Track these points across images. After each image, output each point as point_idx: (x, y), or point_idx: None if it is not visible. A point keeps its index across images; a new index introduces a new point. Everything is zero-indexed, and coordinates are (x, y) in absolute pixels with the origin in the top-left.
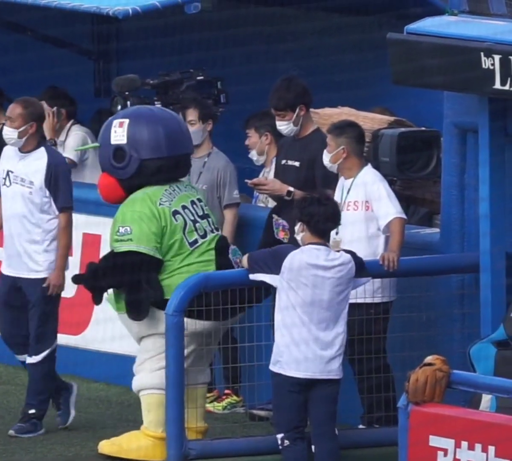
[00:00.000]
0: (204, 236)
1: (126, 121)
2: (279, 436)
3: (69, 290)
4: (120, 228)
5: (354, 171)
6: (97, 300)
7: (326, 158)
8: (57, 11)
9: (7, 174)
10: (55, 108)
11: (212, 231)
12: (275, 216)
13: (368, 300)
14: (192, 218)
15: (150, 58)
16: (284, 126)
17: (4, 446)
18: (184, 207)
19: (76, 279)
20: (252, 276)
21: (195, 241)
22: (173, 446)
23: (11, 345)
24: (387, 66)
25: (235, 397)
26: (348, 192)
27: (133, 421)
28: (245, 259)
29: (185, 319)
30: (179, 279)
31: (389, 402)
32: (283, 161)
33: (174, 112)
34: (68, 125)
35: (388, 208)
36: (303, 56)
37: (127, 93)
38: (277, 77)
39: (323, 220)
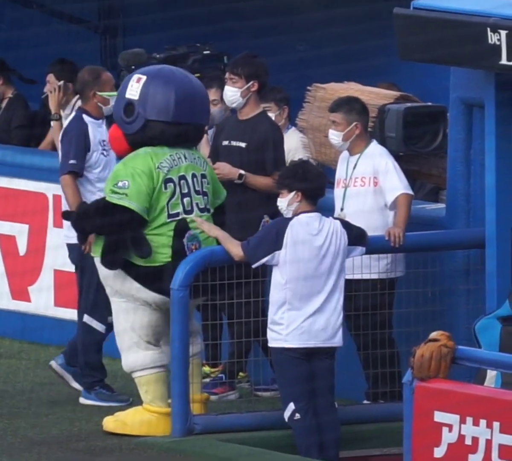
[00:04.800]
0: (189, 212)
1: (144, 78)
2: (291, 408)
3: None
4: (119, 181)
5: (362, 147)
6: (81, 240)
7: (336, 137)
8: None
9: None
10: (62, 82)
11: (203, 210)
12: (266, 217)
13: (374, 276)
14: (185, 191)
15: (156, 33)
16: (231, 92)
17: (9, 421)
18: (181, 178)
19: (65, 214)
20: (256, 265)
21: (176, 214)
22: (177, 421)
23: None
24: (393, 39)
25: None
26: (354, 168)
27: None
28: (239, 250)
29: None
30: None
31: (394, 377)
32: (226, 142)
33: (198, 81)
34: (75, 99)
35: (395, 183)
36: (309, 29)
37: (133, 67)
38: (283, 50)
39: (320, 184)
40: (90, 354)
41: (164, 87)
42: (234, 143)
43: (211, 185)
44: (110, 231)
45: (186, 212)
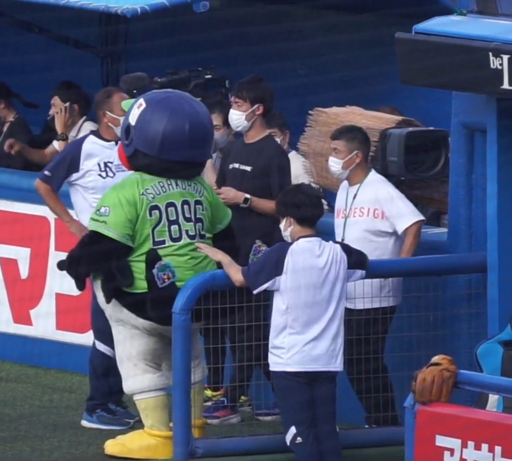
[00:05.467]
0: (177, 239)
1: (144, 105)
2: (292, 432)
3: (75, 289)
4: (102, 207)
5: (361, 177)
6: (79, 286)
7: (336, 164)
8: (66, 10)
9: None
10: (67, 104)
11: (193, 237)
12: (258, 242)
13: (376, 305)
14: (173, 218)
15: (158, 58)
16: (236, 116)
17: (11, 444)
18: (169, 205)
19: (59, 265)
20: (257, 291)
21: (162, 242)
22: (179, 445)
23: None
24: (395, 65)
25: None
26: (354, 197)
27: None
28: (240, 276)
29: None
30: None
31: (387, 403)
32: (231, 165)
33: (202, 116)
34: (81, 121)
35: (403, 210)
36: (311, 54)
37: (135, 91)
38: (285, 76)
39: (310, 208)
40: (99, 378)
41: (158, 120)
42: (239, 166)
43: (209, 211)
44: (96, 261)
45: (173, 239)
